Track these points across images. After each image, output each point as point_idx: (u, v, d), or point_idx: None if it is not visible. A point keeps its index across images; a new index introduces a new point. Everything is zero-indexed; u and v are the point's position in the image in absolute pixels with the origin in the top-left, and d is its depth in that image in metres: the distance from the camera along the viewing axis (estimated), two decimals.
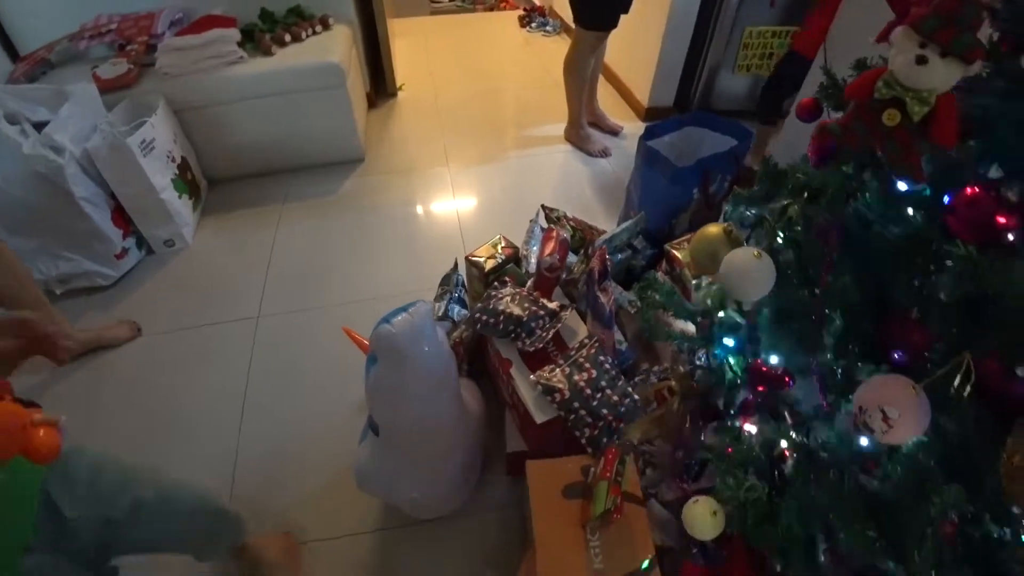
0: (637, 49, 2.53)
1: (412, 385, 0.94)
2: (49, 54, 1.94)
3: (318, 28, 2.12)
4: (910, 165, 0.54)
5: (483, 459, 1.24)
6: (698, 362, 1.07)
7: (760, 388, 0.79)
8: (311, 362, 1.49)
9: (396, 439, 1.04)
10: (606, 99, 2.62)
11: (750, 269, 0.70)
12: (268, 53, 1.95)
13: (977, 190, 0.51)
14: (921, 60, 0.49)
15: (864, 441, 0.62)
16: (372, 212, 2.00)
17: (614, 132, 2.46)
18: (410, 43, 3.27)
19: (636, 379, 1.23)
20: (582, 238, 1.50)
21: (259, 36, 1.97)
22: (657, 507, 1.06)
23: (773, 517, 0.72)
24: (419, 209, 2.04)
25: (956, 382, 0.50)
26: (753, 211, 0.80)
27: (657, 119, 2.33)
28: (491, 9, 3.98)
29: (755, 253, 0.70)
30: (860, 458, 0.64)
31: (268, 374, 1.47)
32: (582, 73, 2.16)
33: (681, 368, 1.13)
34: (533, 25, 3.61)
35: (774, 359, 0.77)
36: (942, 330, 0.55)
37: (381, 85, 2.63)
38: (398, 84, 2.69)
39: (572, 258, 1.43)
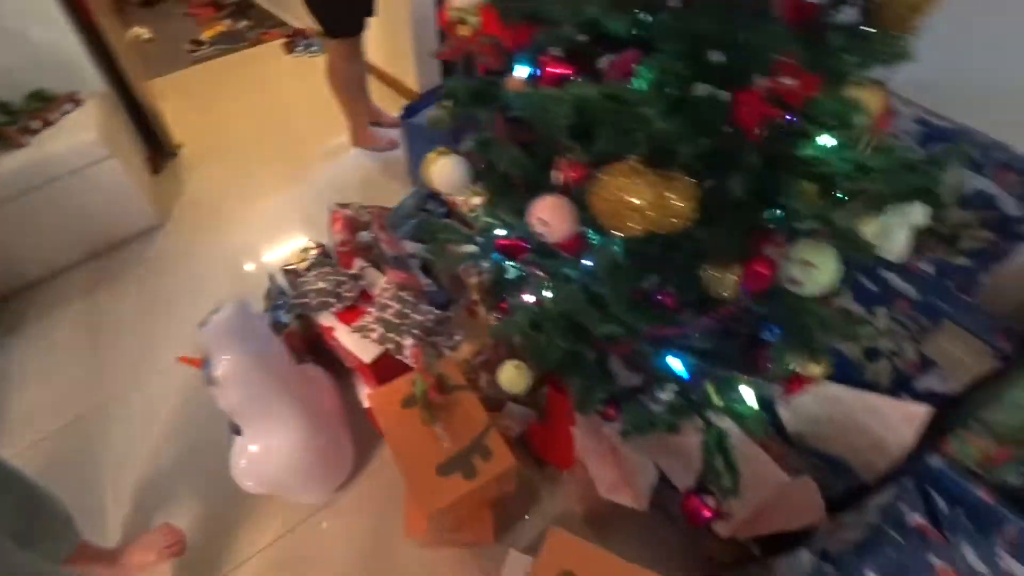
0: (394, 41, 2.81)
1: (247, 366, 1.14)
2: None
3: (68, 107, 2.12)
4: None
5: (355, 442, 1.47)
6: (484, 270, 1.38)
7: (512, 255, 1.05)
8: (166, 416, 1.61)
9: (253, 425, 1.24)
10: (382, 94, 2.89)
11: (442, 167, 0.97)
12: (20, 145, 1.94)
13: None
14: None
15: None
16: (187, 269, 2.10)
17: (396, 124, 2.74)
18: (180, 97, 3.26)
19: (451, 307, 1.53)
20: (363, 214, 1.76)
21: (4, 131, 1.96)
22: (511, 405, 1.37)
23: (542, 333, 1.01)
24: (232, 250, 2.17)
25: None
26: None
27: None
28: (253, 44, 4.04)
29: (439, 152, 0.96)
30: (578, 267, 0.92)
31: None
32: (346, 81, 2.38)
33: (475, 280, 1.45)
34: (299, 49, 3.75)
35: (502, 232, 1.06)
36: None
37: (159, 148, 2.66)
38: (176, 143, 2.73)
39: (368, 236, 1.69)
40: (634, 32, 0.69)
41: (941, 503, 0.99)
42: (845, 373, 1.30)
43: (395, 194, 2.25)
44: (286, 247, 2.11)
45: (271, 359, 1.22)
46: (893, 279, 1.14)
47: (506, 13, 0.77)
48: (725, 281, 0.75)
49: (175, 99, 3.25)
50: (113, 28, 2.44)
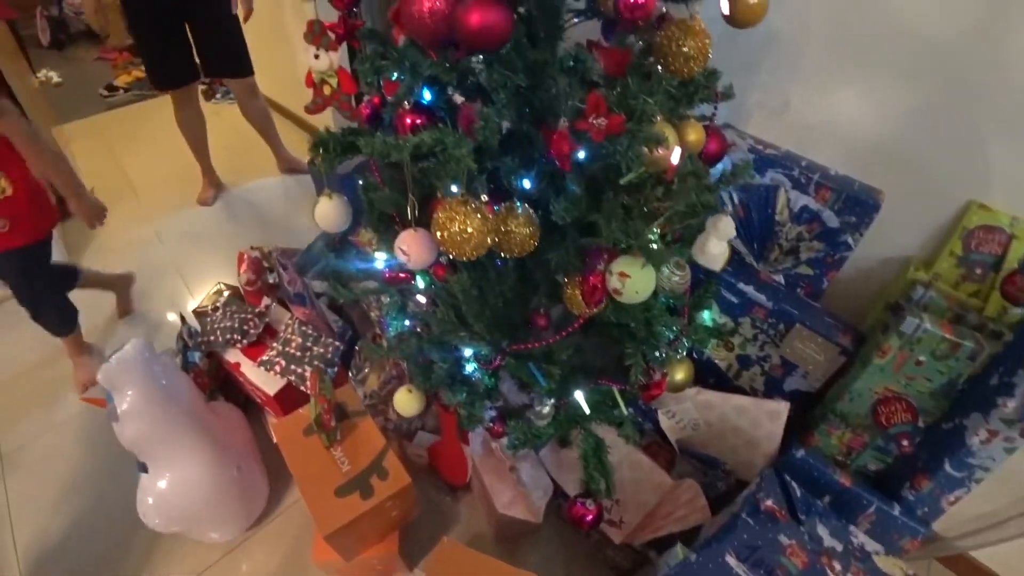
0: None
1: (151, 399, 1.14)
2: None
3: None
4: None
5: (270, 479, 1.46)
6: (385, 304, 1.43)
7: (396, 285, 1.11)
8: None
9: (159, 459, 1.23)
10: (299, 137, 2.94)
11: (325, 209, 1.02)
12: None
13: None
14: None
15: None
16: (95, 315, 2.03)
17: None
18: (92, 144, 3.19)
19: (360, 341, 1.57)
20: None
21: None
22: (421, 433, 1.41)
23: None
24: (142, 295, 2.13)
25: None
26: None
27: None
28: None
29: (328, 197, 1.02)
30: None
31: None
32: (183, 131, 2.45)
33: (375, 315, 1.49)
34: (218, 96, 3.75)
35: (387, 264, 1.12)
36: None
37: None
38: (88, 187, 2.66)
39: (269, 277, 1.71)
40: (472, 81, 0.79)
41: (798, 490, 1.10)
42: (723, 382, 1.42)
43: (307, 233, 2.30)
44: (201, 290, 2.09)
45: (177, 394, 1.22)
46: (750, 291, 1.28)
47: (358, 75, 0.85)
48: (573, 296, 0.84)
49: (86, 143, 3.17)
50: (18, 71, 2.39)
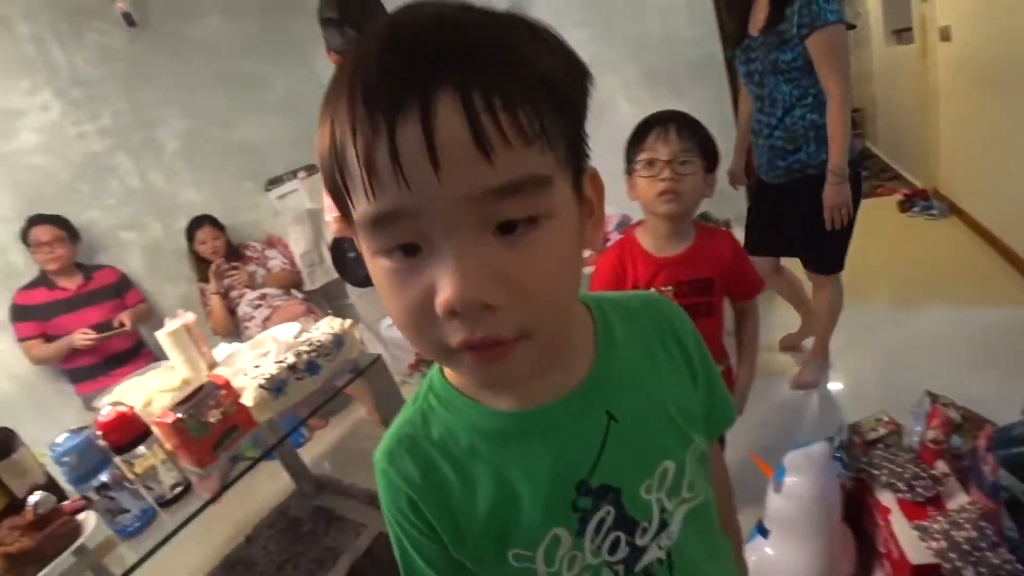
0: None
1: (811, 493, 1.42)
2: None
3: None
4: None
5: None
6: None
7: None
8: None
9: (783, 536, 1.50)
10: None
11: None
12: None
13: None
14: None
15: None
16: None
17: None
18: None
19: None
20: (964, 421, 1.70)
21: None
22: None
23: None
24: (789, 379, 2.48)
25: None
26: None
27: None
28: (866, 196, 4.26)
29: None
30: None
31: None
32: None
33: None
34: (915, 209, 3.75)
35: None
36: None
37: None
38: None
39: (961, 443, 1.64)
40: None
41: None
42: None
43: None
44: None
45: (829, 497, 1.47)
46: None
47: None
48: None
49: None
50: None
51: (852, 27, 1.90)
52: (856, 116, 5.68)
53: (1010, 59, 2.49)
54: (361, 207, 0.35)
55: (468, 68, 0.32)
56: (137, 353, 2.77)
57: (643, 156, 1.21)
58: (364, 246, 0.38)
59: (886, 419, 1.79)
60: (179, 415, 1.23)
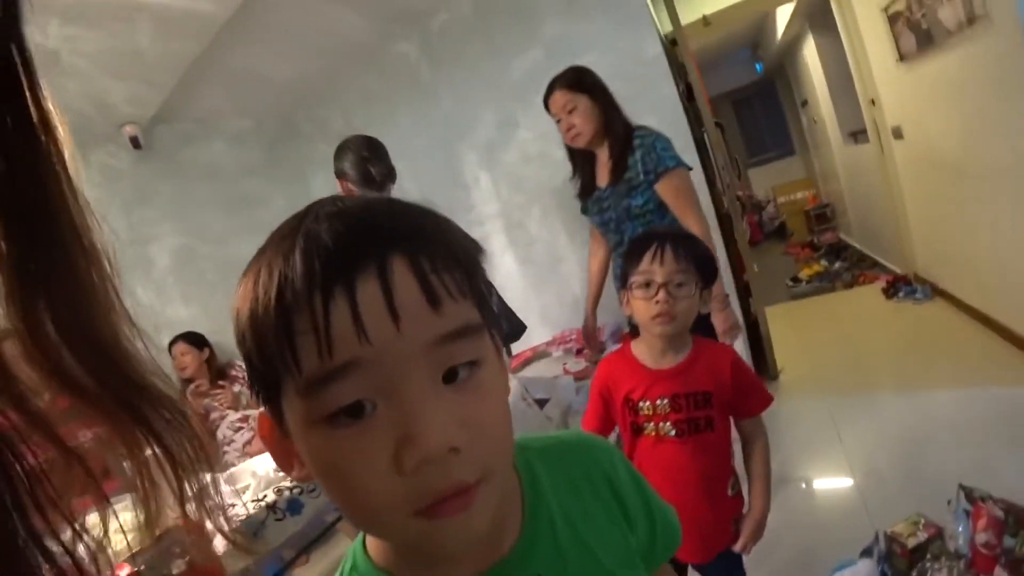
0: None
1: None
2: None
3: None
4: None
5: None
6: None
7: None
8: None
9: None
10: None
11: None
12: None
13: None
14: None
15: None
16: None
17: None
18: (781, 327, 3.87)
19: None
20: (1009, 515, 1.56)
21: None
22: None
23: None
24: (806, 484, 2.31)
25: None
26: None
27: None
28: (849, 286, 4.37)
29: None
30: None
31: None
32: None
33: None
34: (900, 295, 3.81)
35: None
36: None
37: (763, 368, 3.22)
38: (779, 367, 3.23)
39: (1009, 541, 1.49)
40: None
41: None
42: None
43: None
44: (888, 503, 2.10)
45: None
46: None
47: None
48: None
49: (776, 328, 3.87)
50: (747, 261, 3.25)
51: (689, 169, 1.93)
52: (826, 211, 6.07)
53: (964, 150, 2.66)
54: (310, 366, 0.35)
55: (412, 239, 0.38)
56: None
57: (638, 277, 1.19)
58: (298, 421, 0.37)
59: (923, 522, 1.64)
60: (137, 568, 1.07)
